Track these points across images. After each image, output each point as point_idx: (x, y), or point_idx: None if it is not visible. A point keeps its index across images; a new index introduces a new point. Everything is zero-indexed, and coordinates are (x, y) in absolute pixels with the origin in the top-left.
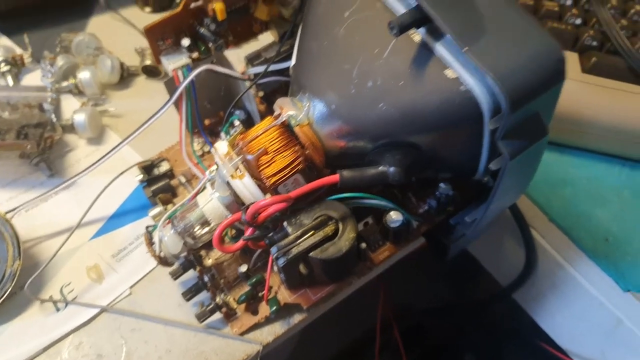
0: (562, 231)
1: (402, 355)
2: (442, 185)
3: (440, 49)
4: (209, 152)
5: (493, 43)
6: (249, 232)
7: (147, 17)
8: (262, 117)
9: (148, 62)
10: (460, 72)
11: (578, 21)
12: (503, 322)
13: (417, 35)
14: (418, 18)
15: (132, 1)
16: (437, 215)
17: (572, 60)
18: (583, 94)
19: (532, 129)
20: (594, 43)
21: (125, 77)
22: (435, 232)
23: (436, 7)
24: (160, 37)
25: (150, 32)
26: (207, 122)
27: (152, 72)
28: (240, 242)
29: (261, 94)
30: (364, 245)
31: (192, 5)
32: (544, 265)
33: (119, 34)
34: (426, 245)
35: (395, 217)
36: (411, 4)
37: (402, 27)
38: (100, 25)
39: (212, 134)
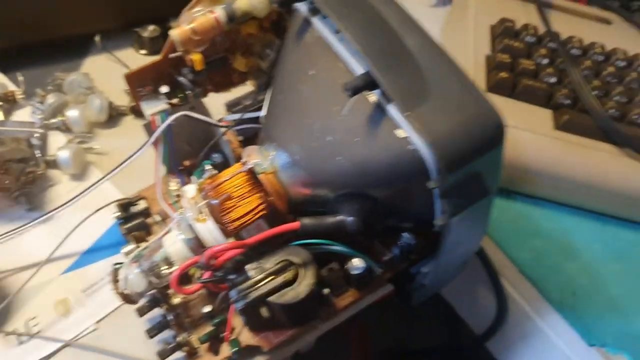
0: (531, 283)
1: None
2: (404, 234)
3: (391, 110)
4: None
5: (433, 109)
6: (206, 275)
7: (141, 59)
8: (238, 161)
9: None
10: (409, 132)
11: (553, 80)
12: None
13: (373, 95)
14: (369, 82)
15: (129, 43)
16: (400, 263)
17: (545, 116)
18: (555, 149)
19: (472, 190)
20: (567, 101)
21: (114, 116)
22: (400, 278)
23: (384, 73)
24: (140, 84)
25: (131, 79)
26: (187, 163)
27: (140, 112)
28: (197, 285)
29: (241, 138)
30: (326, 290)
31: (172, 55)
32: (514, 316)
33: (113, 75)
34: (394, 292)
35: (357, 263)
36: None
37: (354, 89)
38: (95, 65)
39: (192, 175)
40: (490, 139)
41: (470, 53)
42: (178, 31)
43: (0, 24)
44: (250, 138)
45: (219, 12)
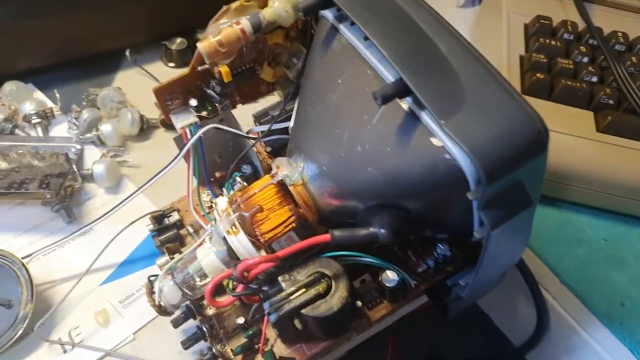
0: (574, 294)
1: None
2: (440, 245)
3: (426, 117)
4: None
5: (470, 117)
6: (239, 288)
7: (170, 71)
8: (267, 172)
9: None
10: (446, 141)
11: (594, 79)
12: None
13: (405, 103)
14: (401, 89)
15: (157, 57)
16: (436, 275)
17: (587, 119)
18: (597, 153)
19: (515, 200)
20: (610, 101)
21: (145, 129)
22: (436, 290)
23: (417, 79)
24: (169, 98)
25: (159, 93)
26: (218, 174)
27: (170, 125)
28: (230, 298)
29: (269, 149)
30: (359, 303)
31: (200, 68)
32: (557, 328)
33: (143, 88)
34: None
35: (391, 276)
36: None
37: (385, 97)
38: (127, 79)
39: (222, 187)
40: (533, 146)
41: (503, 54)
42: (205, 44)
43: (37, 44)
44: (278, 148)
45: (245, 23)
